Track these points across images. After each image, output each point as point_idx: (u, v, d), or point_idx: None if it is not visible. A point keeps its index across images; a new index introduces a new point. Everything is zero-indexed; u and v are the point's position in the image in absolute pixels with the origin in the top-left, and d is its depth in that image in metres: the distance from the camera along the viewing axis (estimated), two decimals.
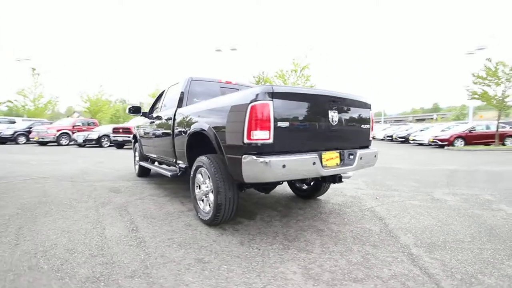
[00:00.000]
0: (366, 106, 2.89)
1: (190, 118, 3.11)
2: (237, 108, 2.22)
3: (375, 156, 2.93)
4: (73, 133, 16.28)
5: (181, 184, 4.80)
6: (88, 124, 18.13)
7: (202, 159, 2.74)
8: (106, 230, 2.65)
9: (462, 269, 1.95)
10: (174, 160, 3.66)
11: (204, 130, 2.66)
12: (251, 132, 2.05)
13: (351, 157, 2.65)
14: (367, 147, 2.99)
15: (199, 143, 3.10)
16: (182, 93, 3.67)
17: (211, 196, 2.70)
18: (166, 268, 1.94)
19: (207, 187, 2.76)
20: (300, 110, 2.26)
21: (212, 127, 2.53)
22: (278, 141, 2.09)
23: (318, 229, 2.70)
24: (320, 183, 3.49)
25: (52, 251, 2.19)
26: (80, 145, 15.00)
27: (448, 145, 14.36)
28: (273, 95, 2.05)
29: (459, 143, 14.45)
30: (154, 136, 4.40)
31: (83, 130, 16.61)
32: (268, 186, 2.77)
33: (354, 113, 2.71)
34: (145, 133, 4.99)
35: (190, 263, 2.02)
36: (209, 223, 2.68)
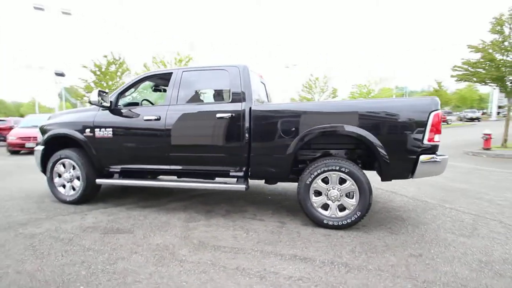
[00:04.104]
0: None
1: (300, 118, 2.75)
2: (408, 114, 2.48)
3: None
4: None
5: (177, 200, 3.69)
6: None
7: (338, 163, 2.63)
8: (279, 272, 1.94)
9: (476, 207, 3.45)
10: (245, 167, 2.93)
11: (359, 133, 2.57)
12: (434, 135, 2.44)
13: None
14: None
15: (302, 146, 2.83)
16: (245, 85, 2.98)
17: (348, 200, 2.68)
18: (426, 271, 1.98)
19: (339, 190, 2.69)
20: None
21: (367, 131, 2.54)
22: None
23: (397, 211, 3.45)
24: None
25: None
26: None
27: None
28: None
29: None
30: (175, 137, 3.09)
31: None
32: None
33: None
34: (127, 134, 3.30)
35: (418, 259, 2.14)
36: (351, 225, 2.67)
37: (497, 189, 4.38)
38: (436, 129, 2.48)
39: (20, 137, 9.63)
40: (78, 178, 3.49)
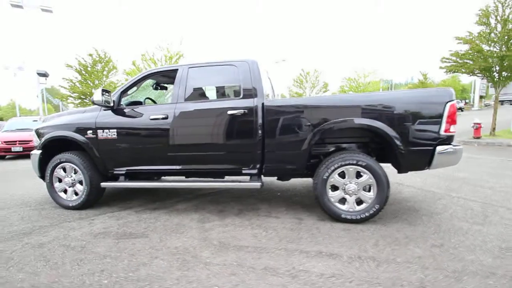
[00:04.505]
0: None
1: (315, 113, 2.72)
2: (425, 105, 2.49)
3: None
4: None
5: (185, 201, 3.60)
6: None
7: (355, 157, 2.61)
8: (309, 270, 1.90)
9: (481, 195, 3.54)
10: (258, 165, 2.87)
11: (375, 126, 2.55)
12: (450, 126, 2.45)
13: None
14: None
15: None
16: (256, 81, 2.90)
17: (365, 193, 2.67)
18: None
19: (356, 184, 2.67)
20: None
21: (383, 123, 2.53)
22: None
23: (408, 202, 3.48)
24: None
25: None
26: None
27: None
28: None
29: None
30: (184, 136, 3.00)
31: None
32: None
33: None
34: (132, 135, 3.16)
35: (441, 249, 2.15)
36: (369, 218, 2.66)
37: (496, 176, 4.53)
38: (452, 120, 2.49)
39: (5, 141, 9.17)
40: (80, 182, 3.32)
